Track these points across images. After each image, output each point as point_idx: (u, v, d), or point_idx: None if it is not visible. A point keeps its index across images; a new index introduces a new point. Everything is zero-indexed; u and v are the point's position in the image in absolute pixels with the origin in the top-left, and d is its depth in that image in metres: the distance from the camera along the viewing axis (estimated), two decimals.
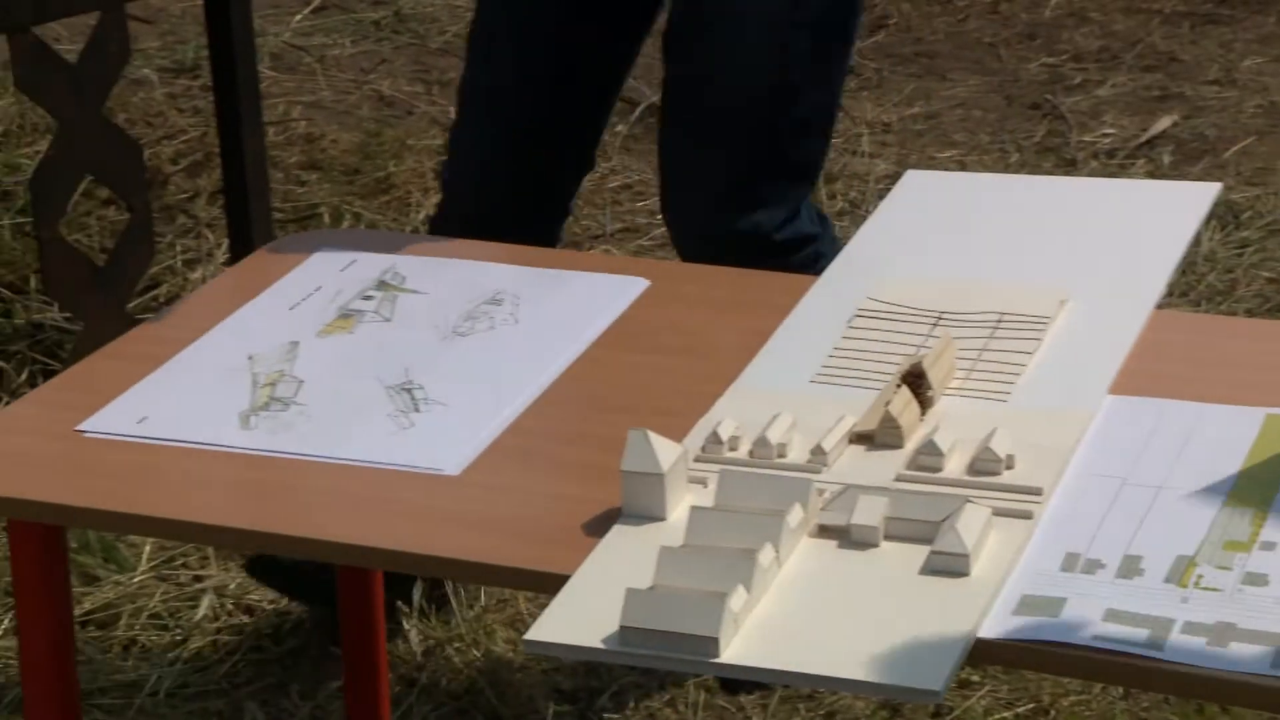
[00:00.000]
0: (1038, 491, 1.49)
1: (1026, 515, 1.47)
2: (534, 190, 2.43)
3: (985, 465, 1.51)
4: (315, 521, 1.57)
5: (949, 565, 1.40)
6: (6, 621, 2.47)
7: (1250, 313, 3.09)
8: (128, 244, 2.86)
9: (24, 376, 2.94)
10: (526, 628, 2.39)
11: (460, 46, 3.23)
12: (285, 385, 1.73)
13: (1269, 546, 1.42)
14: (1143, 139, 3.69)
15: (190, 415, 1.69)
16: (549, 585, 1.44)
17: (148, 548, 2.60)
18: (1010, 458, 1.52)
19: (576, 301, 1.88)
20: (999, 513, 1.46)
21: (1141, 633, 1.31)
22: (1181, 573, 1.40)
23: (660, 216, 2.57)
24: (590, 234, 3.43)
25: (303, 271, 1.94)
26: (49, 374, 2.89)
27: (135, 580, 2.56)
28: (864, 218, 2.09)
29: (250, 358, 1.77)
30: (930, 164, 3.39)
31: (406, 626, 2.49)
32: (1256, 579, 1.38)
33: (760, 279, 1.95)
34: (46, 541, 1.68)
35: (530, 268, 1.96)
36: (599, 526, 1.49)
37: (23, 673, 1.72)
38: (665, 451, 1.49)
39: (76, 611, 2.37)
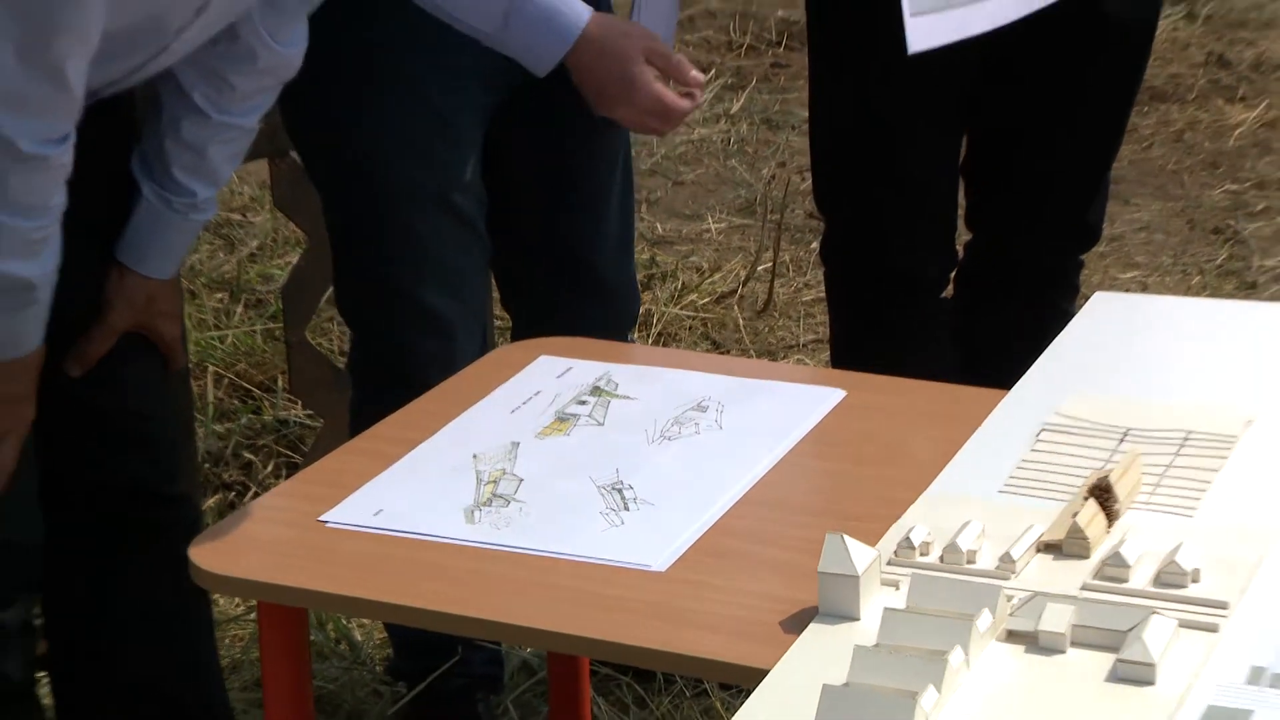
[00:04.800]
0: (1224, 605, 1.44)
1: (1213, 628, 1.41)
2: None
3: (1171, 578, 1.46)
4: (532, 611, 1.56)
5: (1135, 674, 1.36)
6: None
7: None
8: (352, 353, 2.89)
9: (270, 468, 2.99)
10: (719, 717, 2.41)
11: None
12: (506, 483, 1.73)
13: None
14: None
15: (420, 509, 1.69)
16: (748, 679, 1.41)
17: (377, 632, 2.62)
18: (1196, 571, 1.47)
19: (777, 409, 1.86)
20: (1185, 624, 1.41)
21: None
22: None
23: None
24: (785, 344, 3.43)
25: (524, 376, 1.95)
26: (292, 466, 2.94)
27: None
28: None
29: (475, 456, 1.78)
30: (1114, 285, 3.35)
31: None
32: None
33: (951, 391, 1.92)
34: (290, 622, 1.70)
35: (733, 377, 1.95)
36: (796, 624, 1.47)
37: None
38: (860, 555, 1.47)
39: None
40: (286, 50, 1.96)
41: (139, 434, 2.02)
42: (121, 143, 1.94)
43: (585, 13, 2.15)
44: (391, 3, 2.18)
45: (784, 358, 3.35)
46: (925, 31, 2.18)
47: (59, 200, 1.73)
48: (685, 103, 2.21)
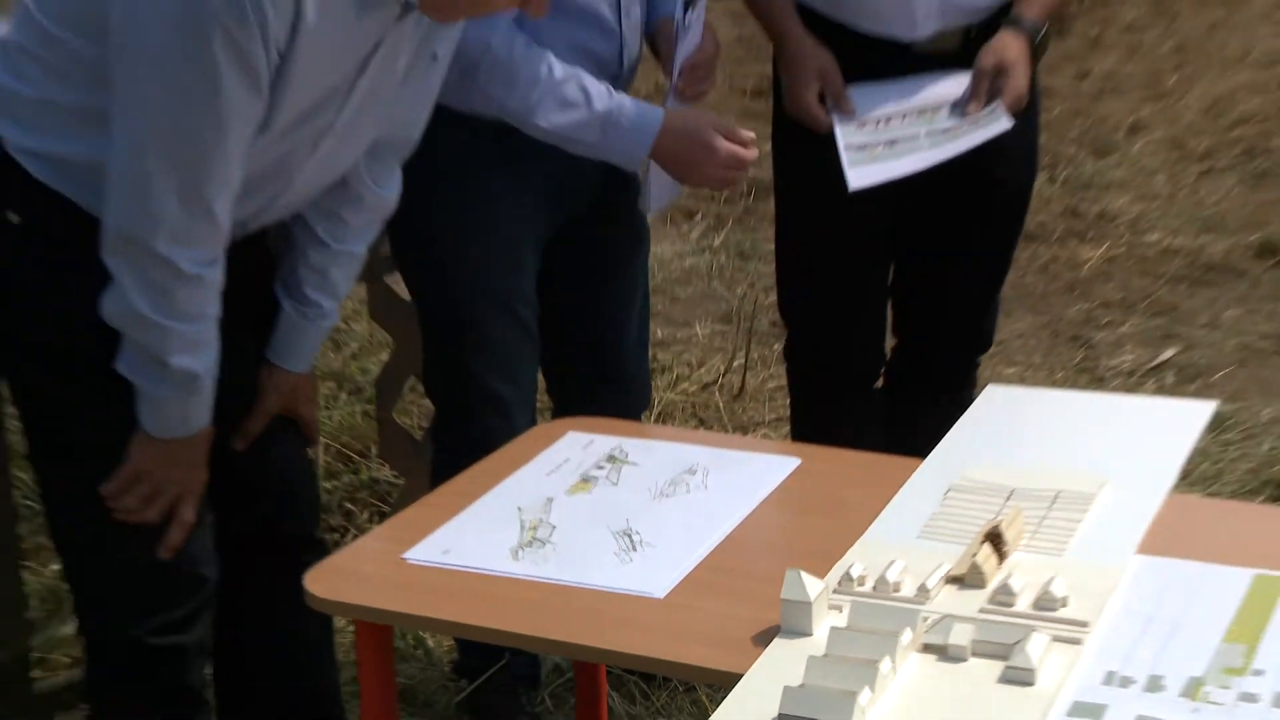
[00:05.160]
0: (1085, 624, 1.44)
1: (1077, 641, 1.42)
2: None
3: (1046, 603, 1.46)
4: (562, 628, 1.56)
5: (1019, 677, 1.36)
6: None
7: (1234, 495, 2.99)
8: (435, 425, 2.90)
9: (365, 516, 2.98)
10: (705, 711, 2.40)
11: None
12: (543, 529, 1.72)
13: (1258, 673, 1.36)
14: (1152, 364, 3.61)
15: (478, 549, 1.69)
16: (726, 681, 1.41)
17: (445, 641, 2.61)
18: (1065, 598, 1.47)
19: (748, 474, 1.85)
20: (1056, 639, 1.41)
21: None
22: (1193, 690, 1.34)
23: None
24: (754, 422, 3.42)
25: (557, 447, 1.94)
26: (382, 515, 2.93)
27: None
28: None
29: (519, 509, 1.77)
30: (999, 379, 3.35)
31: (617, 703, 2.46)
32: (1249, 697, 1.33)
33: (881, 460, 1.90)
34: (380, 635, 1.69)
35: (714, 448, 1.93)
36: (764, 639, 1.47)
37: None
38: (812, 585, 1.47)
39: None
40: (386, 193, 1.96)
41: (289, 495, 2.01)
42: (265, 268, 1.94)
43: (660, 112, 2.10)
44: (477, 155, 2.15)
45: (753, 433, 3.34)
46: (860, 175, 2.17)
47: (214, 310, 1.73)
48: (751, 152, 2.13)
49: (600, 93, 2.06)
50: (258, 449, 1.94)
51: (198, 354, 1.73)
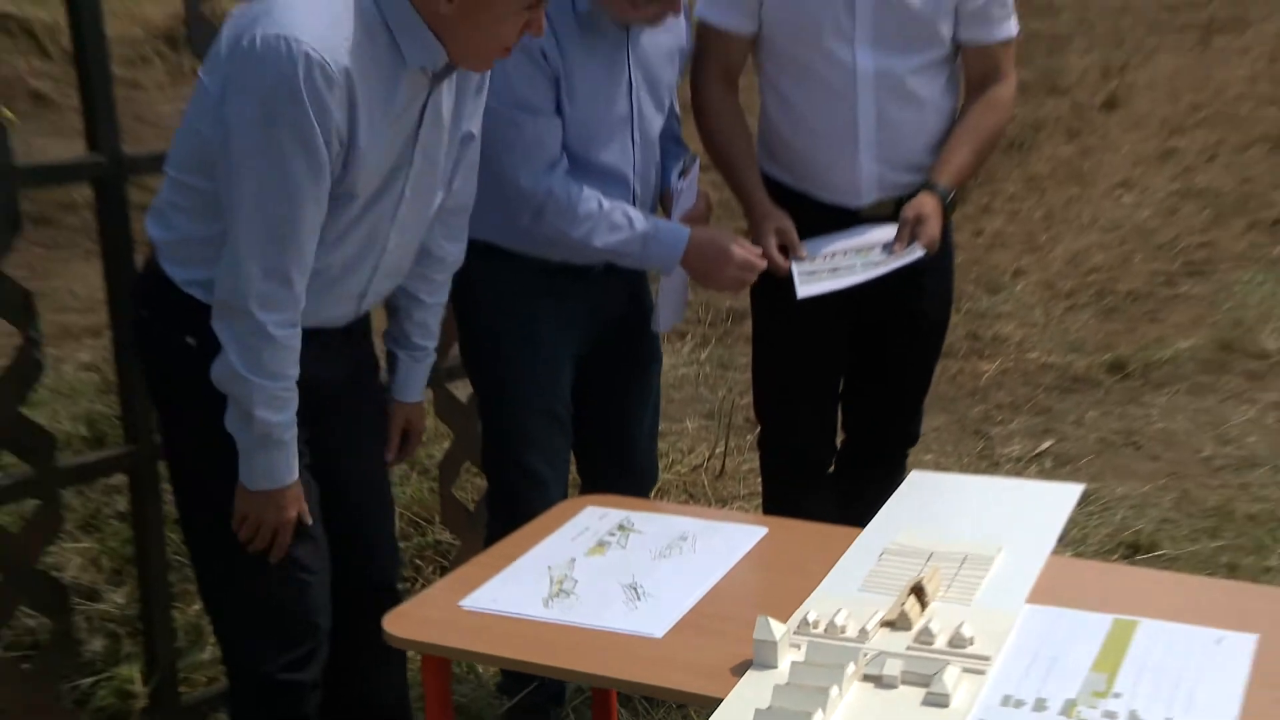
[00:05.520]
0: (988, 658, 1.42)
1: (981, 672, 1.40)
2: None
3: (958, 642, 1.44)
4: (582, 661, 1.54)
5: (938, 700, 1.34)
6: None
7: (1096, 555, 2.95)
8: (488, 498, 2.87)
9: (430, 570, 2.94)
10: None
11: None
12: (568, 583, 1.70)
13: (1117, 695, 1.35)
14: (1034, 453, 3.59)
15: (517, 599, 1.67)
16: (710, 704, 1.39)
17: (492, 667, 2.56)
18: (972, 638, 1.45)
19: (728, 540, 1.82)
20: (966, 670, 1.40)
21: None
22: (1069, 709, 1.33)
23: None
24: (733, 497, 3.39)
25: (579, 519, 1.92)
26: (443, 570, 2.89)
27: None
28: None
29: (549, 567, 1.75)
30: (921, 466, 3.30)
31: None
32: (1110, 714, 1.32)
33: (831, 529, 1.86)
34: (441, 664, 1.67)
35: (701, 520, 1.90)
36: (739, 670, 1.45)
37: None
38: (777, 628, 1.45)
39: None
40: (458, 249, 1.94)
41: (379, 553, 1.98)
42: (366, 334, 1.93)
43: (688, 229, 2.07)
44: (529, 289, 2.10)
45: (731, 506, 3.30)
46: (806, 289, 2.13)
47: (293, 371, 1.66)
48: (760, 261, 2.10)
49: (639, 217, 2.04)
50: (356, 519, 1.91)
51: (278, 410, 1.66)
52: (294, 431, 1.70)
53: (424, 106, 1.69)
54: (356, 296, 1.76)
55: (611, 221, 2.03)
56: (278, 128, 1.54)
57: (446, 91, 1.73)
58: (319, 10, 1.56)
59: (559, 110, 1.99)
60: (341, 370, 1.83)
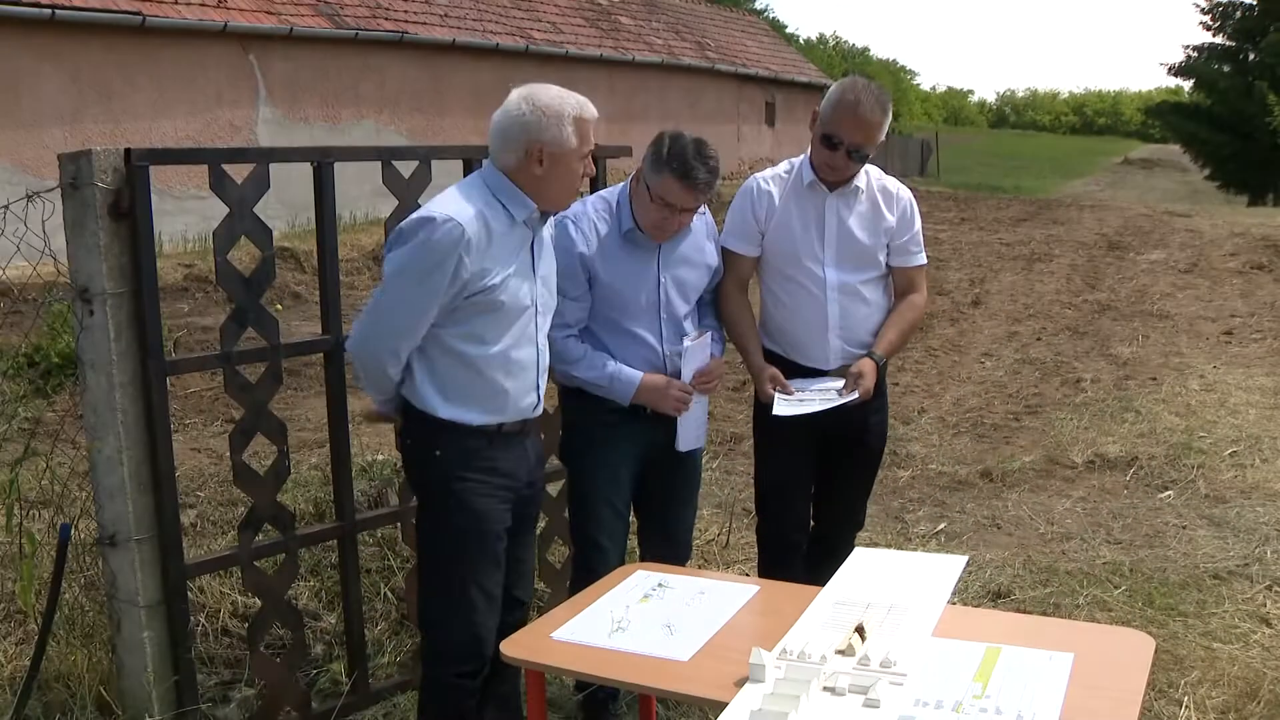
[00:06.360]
0: (905, 674, 1.41)
1: (902, 684, 1.38)
2: None
3: (887, 664, 1.44)
4: (632, 674, 1.52)
5: (873, 704, 1.34)
6: None
7: (972, 603, 2.84)
8: (571, 561, 2.75)
9: (534, 615, 2.84)
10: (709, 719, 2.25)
11: None
12: (624, 622, 1.69)
13: (989, 697, 1.35)
14: (934, 532, 3.50)
15: (589, 633, 1.66)
16: (718, 707, 1.38)
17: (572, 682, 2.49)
18: (896, 661, 1.43)
19: (732, 595, 1.79)
20: (892, 683, 1.39)
21: None
22: (958, 707, 1.32)
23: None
24: (735, 562, 3.31)
25: (631, 580, 1.88)
26: (540, 611, 2.77)
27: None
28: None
29: (611, 611, 1.73)
30: (860, 542, 3.21)
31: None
32: (984, 709, 1.31)
33: (801, 589, 1.80)
34: (539, 675, 1.65)
35: (714, 579, 1.87)
36: (740, 683, 1.44)
37: None
38: (766, 655, 1.45)
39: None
40: None
41: (525, 580, 1.94)
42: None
43: (639, 374, 2.05)
44: (602, 419, 2.08)
45: (734, 571, 3.23)
46: (781, 411, 2.15)
47: (397, 379, 1.72)
48: (687, 396, 2.07)
49: (613, 364, 2.05)
50: (517, 563, 1.88)
51: (379, 386, 1.73)
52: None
53: (532, 243, 1.76)
54: (527, 396, 1.76)
55: (590, 363, 2.05)
56: (426, 266, 1.62)
57: (546, 232, 1.80)
58: (452, 196, 1.67)
59: (590, 288, 2.03)
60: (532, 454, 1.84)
